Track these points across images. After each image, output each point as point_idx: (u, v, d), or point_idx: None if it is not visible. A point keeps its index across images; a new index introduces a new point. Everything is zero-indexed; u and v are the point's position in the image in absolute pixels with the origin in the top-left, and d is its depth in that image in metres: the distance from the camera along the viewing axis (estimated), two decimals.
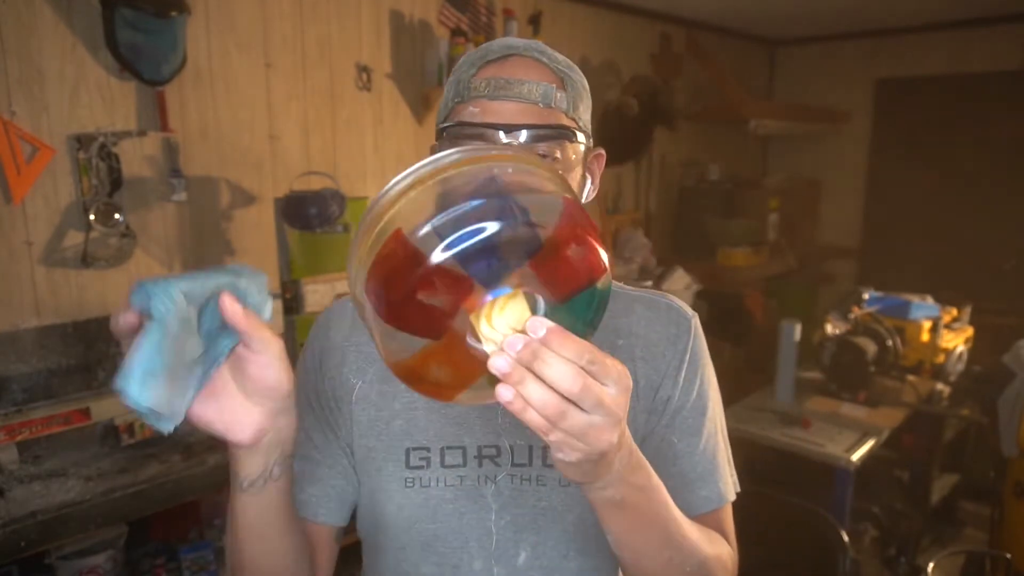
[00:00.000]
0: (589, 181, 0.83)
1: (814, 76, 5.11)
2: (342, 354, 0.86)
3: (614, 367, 0.52)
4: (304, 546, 0.78)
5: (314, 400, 0.87)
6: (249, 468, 0.65)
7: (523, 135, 0.72)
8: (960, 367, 3.11)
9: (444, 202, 0.49)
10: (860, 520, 2.75)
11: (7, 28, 1.95)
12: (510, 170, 0.52)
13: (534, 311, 0.52)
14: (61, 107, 2.07)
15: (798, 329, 2.83)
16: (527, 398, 0.49)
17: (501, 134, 0.72)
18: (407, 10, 2.97)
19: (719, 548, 0.80)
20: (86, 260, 2.13)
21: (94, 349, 2.18)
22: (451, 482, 0.82)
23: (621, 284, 0.91)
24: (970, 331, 3.26)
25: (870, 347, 2.84)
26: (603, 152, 0.85)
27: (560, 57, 0.78)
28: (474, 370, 0.53)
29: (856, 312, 3.12)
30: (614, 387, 0.52)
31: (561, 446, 0.52)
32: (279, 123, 2.62)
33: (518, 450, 0.82)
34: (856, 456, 2.38)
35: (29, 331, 2.05)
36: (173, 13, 2.13)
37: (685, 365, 0.84)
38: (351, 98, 2.84)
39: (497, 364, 0.49)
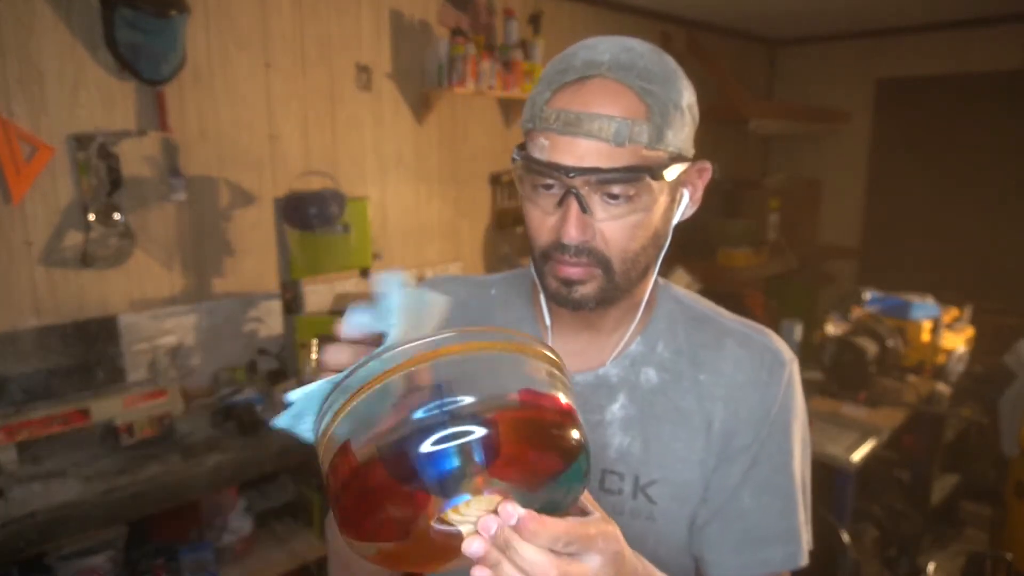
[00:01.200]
0: (687, 196, 0.77)
1: (814, 76, 5.11)
2: None
3: (598, 537, 0.50)
4: None
5: None
6: None
7: (587, 178, 0.67)
8: (961, 367, 3.10)
9: (385, 413, 0.46)
10: (861, 520, 2.75)
11: (7, 28, 1.95)
12: (462, 365, 0.48)
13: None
14: (60, 107, 2.07)
15: (798, 329, 2.83)
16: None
17: (562, 176, 0.68)
18: (407, 10, 2.97)
19: None
20: (86, 260, 2.12)
21: (94, 349, 2.17)
22: None
23: (717, 309, 0.85)
24: (971, 331, 3.25)
25: (870, 347, 2.84)
26: (708, 166, 0.78)
27: (654, 69, 0.70)
28: (452, 549, 0.50)
29: (856, 312, 3.11)
30: (599, 557, 0.50)
31: None
32: (279, 123, 2.62)
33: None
34: (857, 456, 2.38)
35: (29, 331, 2.05)
36: (173, 13, 2.13)
37: (771, 417, 0.77)
38: (351, 98, 2.83)
39: (471, 549, 0.47)
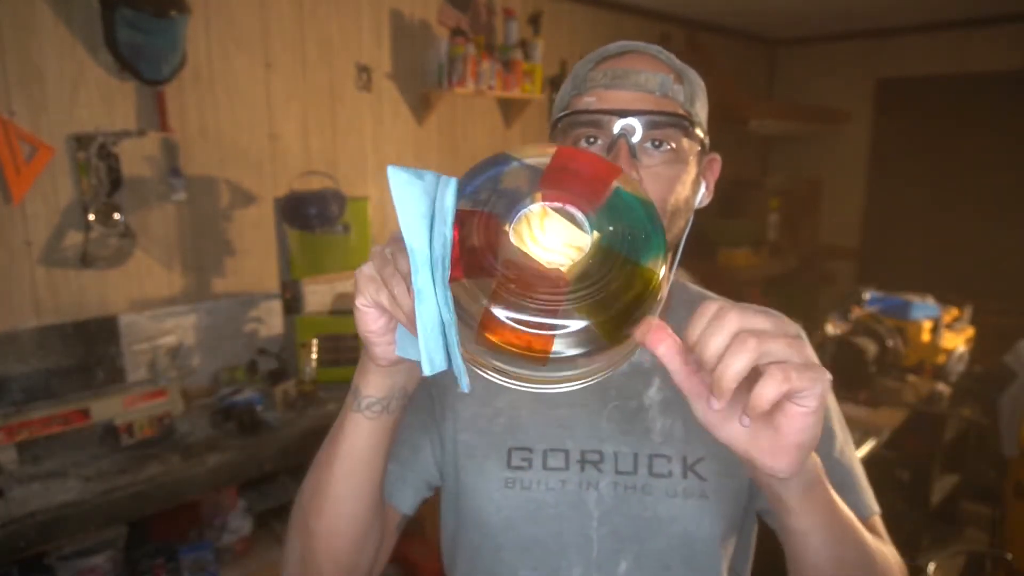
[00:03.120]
0: (704, 186, 0.81)
1: (814, 76, 5.11)
2: None
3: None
4: (379, 519, 0.77)
5: (420, 384, 0.85)
6: (376, 387, 0.66)
7: (638, 122, 0.71)
8: (961, 367, 3.10)
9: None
10: None
11: (7, 28, 1.95)
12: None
13: (579, 226, 0.51)
14: (60, 107, 2.07)
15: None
16: (712, 347, 0.47)
17: (607, 122, 0.72)
18: (407, 10, 2.97)
19: (893, 552, 0.78)
20: (86, 260, 2.12)
21: (94, 349, 2.17)
22: (552, 486, 0.79)
23: (725, 299, 0.88)
24: (971, 331, 3.25)
25: (870, 347, 2.84)
26: (718, 157, 0.83)
27: (677, 60, 0.78)
28: (554, 296, 0.49)
29: (856, 312, 3.11)
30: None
31: (800, 384, 0.46)
32: (279, 123, 2.62)
33: (622, 457, 0.80)
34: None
35: (29, 331, 2.05)
36: (173, 13, 2.13)
37: None
38: (351, 98, 2.83)
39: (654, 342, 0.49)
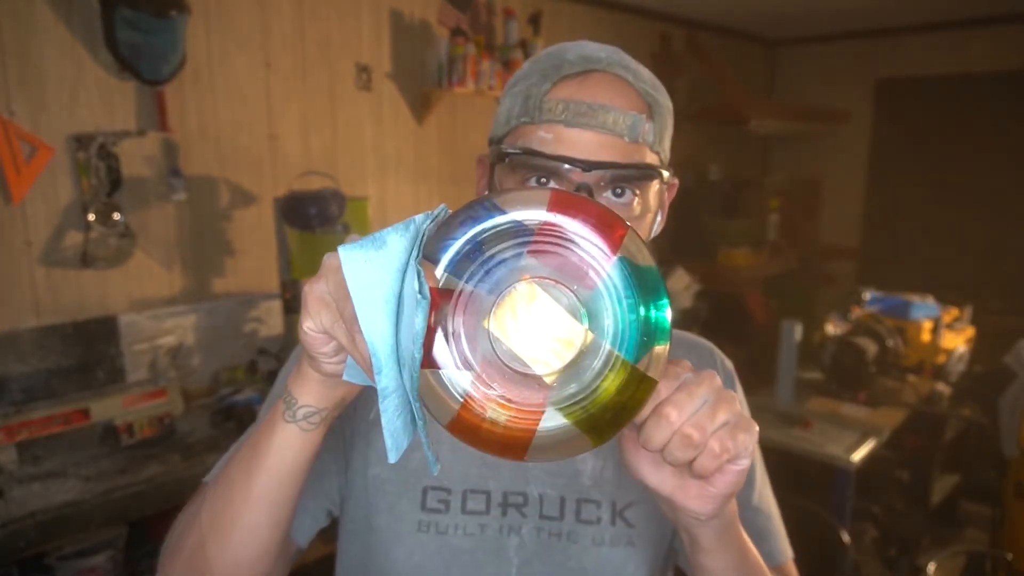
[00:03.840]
0: (660, 216, 0.73)
1: (814, 76, 5.11)
2: None
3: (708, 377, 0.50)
4: (285, 555, 0.69)
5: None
6: (315, 396, 0.57)
7: (601, 174, 0.62)
8: (961, 367, 3.10)
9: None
10: (861, 520, 2.74)
11: (7, 28, 1.95)
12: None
13: (572, 311, 0.43)
14: (60, 107, 2.07)
15: (798, 329, 2.83)
16: (670, 428, 0.47)
17: (566, 170, 0.62)
18: (407, 10, 2.97)
19: None
20: (86, 260, 2.12)
21: (94, 349, 2.17)
22: (471, 530, 0.73)
23: (680, 334, 0.85)
24: (971, 331, 3.25)
25: (870, 347, 2.84)
26: (676, 182, 0.75)
27: (645, 73, 0.68)
28: (534, 405, 0.44)
29: (856, 312, 3.11)
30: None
31: (737, 449, 0.49)
32: (279, 123, 2.62)
33: (548, 501, 0.73)
34: (857, 456, 2.38)
35: (29, 331, 2.05)
36: (173, 13, 2.13)
37: None
38: (351, 98, 2.83)
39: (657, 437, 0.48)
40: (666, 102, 0.68)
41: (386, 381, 0.44)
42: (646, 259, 0.43)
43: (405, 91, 3.02)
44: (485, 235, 0.42)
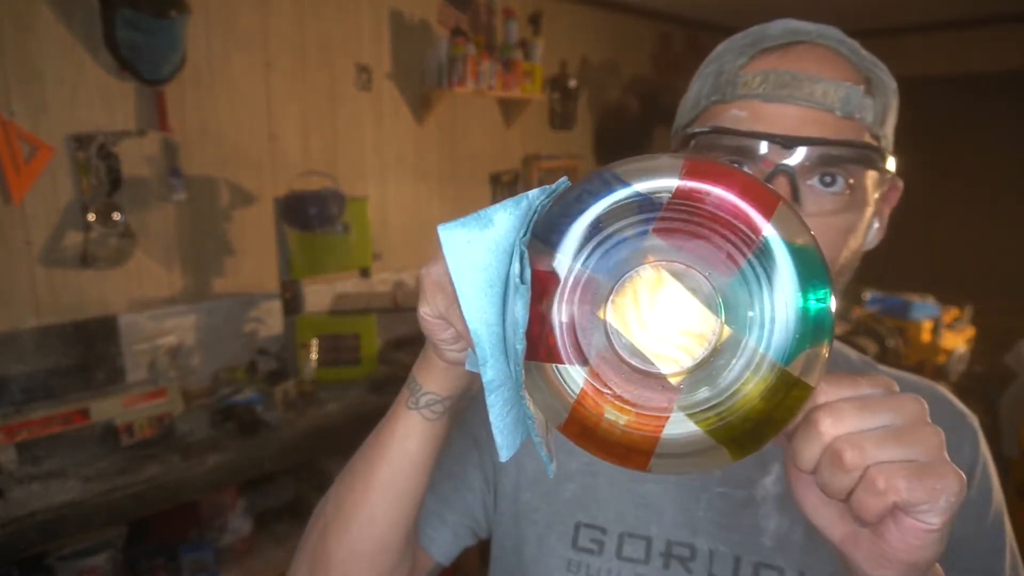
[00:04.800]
0: (877, 221, 0.62)
1: None
2: None
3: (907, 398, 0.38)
4: (410, 556, 0.63)
5: (480, 425, 0.71)
6: (440, 384, 0.53)
7: (808, 153, 0.51)
8: (961, 367, 3.11)
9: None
10: None
11: (7, 28, 1.95)
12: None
13: (706, 300, 0.36)
14: (60, 107, 2.07)
15: None
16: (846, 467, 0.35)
17: (765, 149, 0.52)
18: (407, 10, 2.97)
19: None
20: (86, 260, 2.12)
21: (94, 349, 2.17)
22: None
23: (871, 361, 0.72)
24: (971, 331, 3.25)
25: (871, 347, 2.84)
26: (901, 184, 0.65)
27: (864, 51, 0.58)
28: (658, 408, 0.37)
29: (856, 312, 3.11)
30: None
31: (913, 496, 0.35)
32: (279, 123, 2.62)
33: (719, 558, 0.62)
34: None
35: (29, 331, 2.05)
36: (173, 13, 2.13)
37: (973, 483, 0.63)
38: (351, 98, 2.83)
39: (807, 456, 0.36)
40: (890, 82, 0.59)
41: (492, 373, 0.39)
42: (804, 238, 0.35)
43: (405, 91, 3.02)
44: (604, 211, 0.36)
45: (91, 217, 2.10)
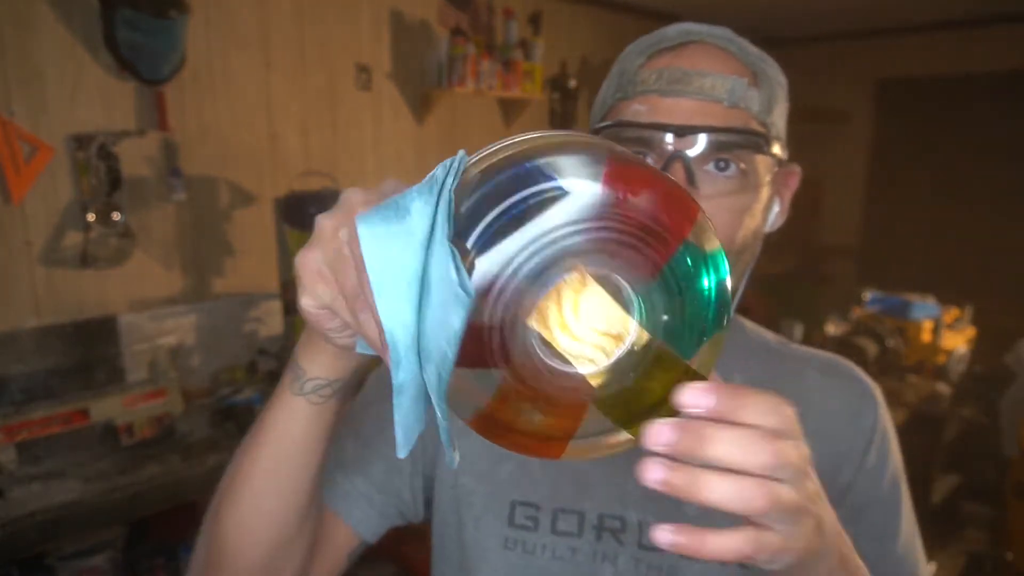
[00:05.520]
0: (777, 205, 0.67)
1: (814, 76, 5.10)
2: None
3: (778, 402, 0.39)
4: (309, 529, 0.62)
5: None
6: (325, 368, 0.51)
7: (700, 140, 0.57)
8: (961, 367, 3.10)
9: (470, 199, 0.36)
10: None
11: (7, 28, 1.95)
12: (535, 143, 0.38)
13: (624, 303, 0.37)
14: (60, 107, 2.07)
15: (798, 329, 2.83)
16: (705, 489, 0.36)
17: (670, 137, 0.57)
18: (407, 10, 2.97)
19: None
20: (85, 260, 2.12)
21: (94, 349, 2.17)
22: (561, 553, 0.67)
23: (786, 341, 0.76)
24: (972, 331, 3.25)
25: (871, 347, 2.84)
26: (798, 169, 0.70)
27: (752, 48, 0.63)
28: (575, 404, 0.38)
29: (856, 312, 3.11)
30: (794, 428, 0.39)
31: (760, 547, 0.38)
32: (279, 123, 2.62)
33: (648, 529, 0.63)
34: None
35: (29, 331, 2.05)
36: (172, 13, 2.13)
37: (873, 448, 0.69)
38: (351, 98, 2.83)
39: (650, 476, 0.36)
40: (777, 76, 0.64)
41: (404, 375, 0.37)
42: (712, 244, 0.37)
43: (405, 91, 3.02)
44: (528, 206, 0.34)
45: (91, 217, 2.10)
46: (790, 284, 4.66)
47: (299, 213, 2.35)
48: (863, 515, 0.67)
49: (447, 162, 0.37)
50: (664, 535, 0.36)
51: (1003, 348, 2.87)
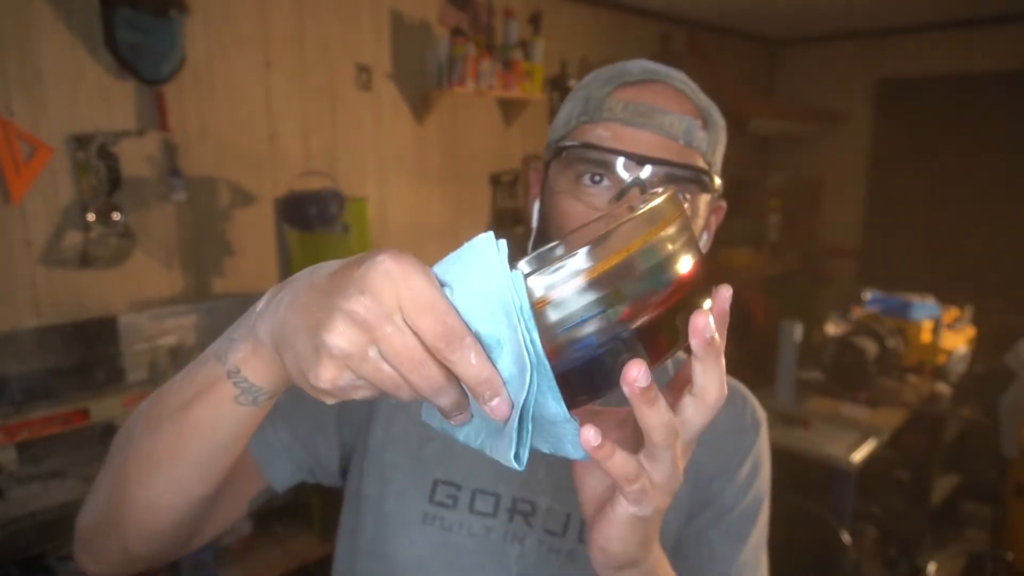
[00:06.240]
0: (705, 235, 0.73)
1: (814, 76, 5.10)
2: None
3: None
4: (215, 498, 0.60)
5: None
6: (264, 376, 0.47)
7: (658, 171, 0.64)
8: (961, 367, 3.10)
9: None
10: (861, 521, 2.74)
11: (6, 27, 1.95)
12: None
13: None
14: (60, 106, 2.07)
15: (798, 329, 2.83)
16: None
17: (621, 165, 0.64)
18: (407, 10, 2.97)
19: None
20: (85, 260, 2.12)
21: (94, 349, 2.17)
22: (475, 531, 0.72)
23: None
24: (972, 331, 3.25)
25: (871, 347, 2.84)
26: (724, 205, 0.76)
27: (702, 94, 0.72)
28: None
29: (856, 312, 3.11)
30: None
31: (640, 497, 0.44)
32: (279, 123, 2.62)
33: (554, 515, 0.72)
34: (857, 457, 2.38)
35: (29, 331, 2.05)
36: (172, 12, 2.13)
37: (746, 465, 0.77)
38: (351, 98, 2.83)
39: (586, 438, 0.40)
40: (720, 120, 0.71)
41: (515, 392, 0.39)
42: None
43: (405, 91, 3.02)
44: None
45: (91, 217, 2.10)
46: (790, 284, 4.66)
47: (299, 213, 2.35)
48: (724, 517, 0.75)
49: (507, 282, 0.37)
50: (589, 433, 0.40)
51: (1003, 348, 2.87)
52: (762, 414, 0.81)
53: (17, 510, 1.64)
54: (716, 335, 0.41)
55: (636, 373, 0.38)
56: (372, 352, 0.37)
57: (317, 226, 2.35)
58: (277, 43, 2.57)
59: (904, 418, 2.71)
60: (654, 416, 0.40)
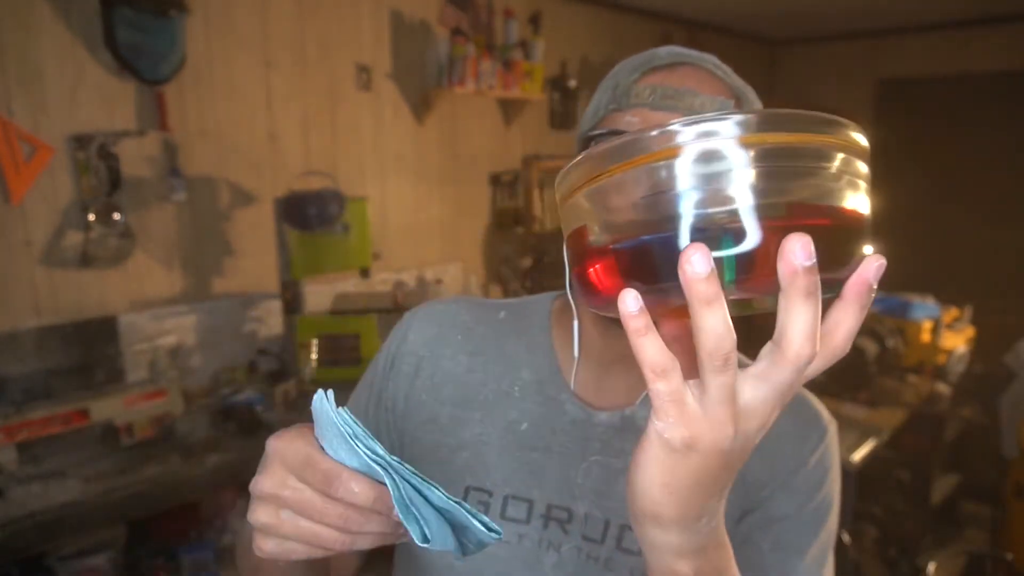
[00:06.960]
0: None
1: (814, 76, 5.10)
2: (417, 364, 0.77)
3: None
4: None
5: (374, 399, 0.79)
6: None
7: None
8: (961, 367, 3.10)
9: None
10: (861, 520, 2.74)
11: (7, 28, 1.95)
12: None
13: None
14: (60, 106, 2.07)
15: None
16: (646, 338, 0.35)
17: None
18: (407, 10, 2.97)
19: None
20: (85, 260, 2.12)
21: (94, 349, 2.17)
22: (508, 538, 0.70)
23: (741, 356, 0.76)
24: (971, 331, 3.25)
25: (871, 347, 2.84)
26: None
27: (736, 76, 0.68)
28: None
29: None
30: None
31: (668, 409, 0.36)
32: (279, 123, 2.62)
33: (592, 522, 0.69)
34: (857, 456, 2.38)
35: (29, 331, 2.05)
36: (172, 12, 2.13)
37: (801, 473, 0.71)
38: (351, 98, 2.83)
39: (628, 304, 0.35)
40: (757, 102, 0.68)
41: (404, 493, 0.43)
42: None
43: (405, 91, 3.02)
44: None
45: (91, 217, 2.10)
46: None
47: (299, 213, 2.35)
48: (773, 527, 0.70)
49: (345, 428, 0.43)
50: (629, 296, 0.34)
51: (1003, 348, 2.87)
52: (829, 422, 0.75)
53: (17, 510, 1.64)
54: (874, 284, 0.35)
55: (697, 255, 0.31)
56: (285, 515, 0.45)
57: (317, 226, 2.35)
58: (277, 43, 2.57)
59: (904, 418, 2.71)
60: (708, 317, 0.33)
